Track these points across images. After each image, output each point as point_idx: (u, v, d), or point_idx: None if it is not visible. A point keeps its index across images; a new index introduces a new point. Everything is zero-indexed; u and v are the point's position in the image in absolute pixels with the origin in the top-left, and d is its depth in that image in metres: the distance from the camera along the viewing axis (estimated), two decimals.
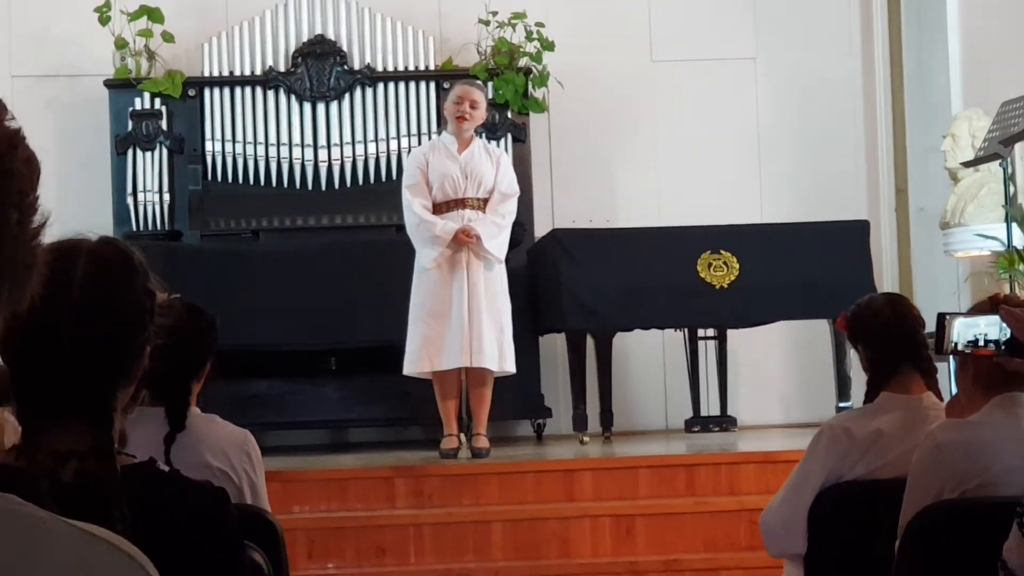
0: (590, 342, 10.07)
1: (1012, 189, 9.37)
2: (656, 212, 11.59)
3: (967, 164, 9.78)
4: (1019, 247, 9.01)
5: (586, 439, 9.87)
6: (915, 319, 5.02)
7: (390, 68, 11.75)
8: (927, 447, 4.24)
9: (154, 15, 11.53)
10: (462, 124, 8.95)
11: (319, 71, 11.67)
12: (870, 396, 5.07)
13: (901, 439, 4.83)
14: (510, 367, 8.93)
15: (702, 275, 9.90)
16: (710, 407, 11.00)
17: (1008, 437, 4.09)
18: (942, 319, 3.93)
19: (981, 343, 3.79)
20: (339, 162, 11.55)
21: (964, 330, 3.85)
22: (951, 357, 4.33)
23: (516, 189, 9.15)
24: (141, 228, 11.25)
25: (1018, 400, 4.16)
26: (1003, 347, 3.72)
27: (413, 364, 8.89)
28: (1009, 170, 9.25)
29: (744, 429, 10.93)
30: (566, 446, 9.93)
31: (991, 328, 3.75)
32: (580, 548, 7.85)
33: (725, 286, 9.91)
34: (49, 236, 1.35)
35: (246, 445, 4.59)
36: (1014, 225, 9.20)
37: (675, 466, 8.42)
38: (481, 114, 9.13)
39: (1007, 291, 8.37)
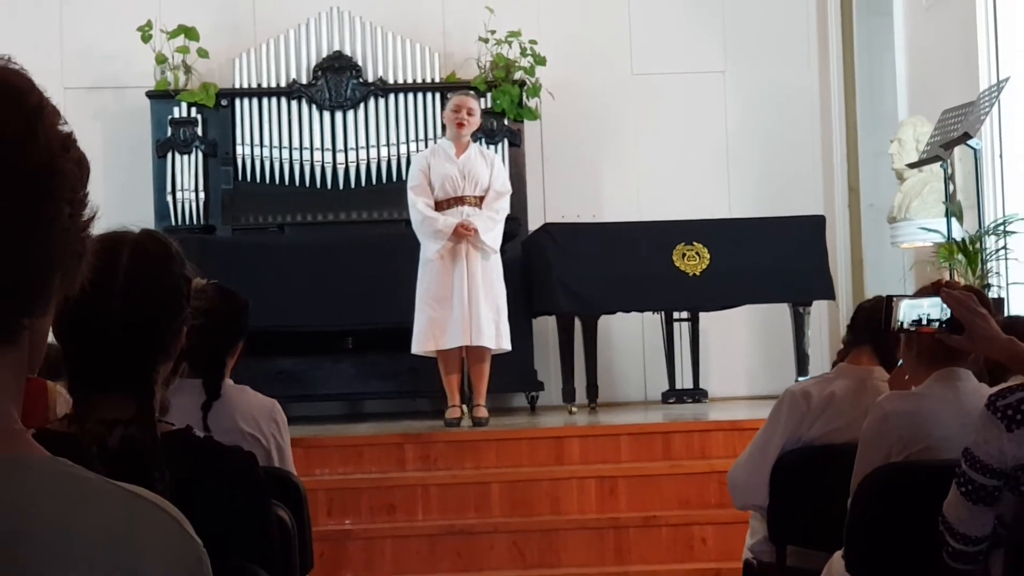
0: (578, 324, 10.06)
1: (951, 187, 9.37)
2: (636, 208, 11.58)
3: (912, 165, 9.78)
4: (958, 239, 9.02)
5: (574, 409, 9.86)
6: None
7: (400, 81, 11.74)
8: (876, 415, 4.25)
9: (191, 34, 11.53)
10: (461, 129, 8.96)
11: (337, 83, 11.66)
12: (835, 363, 5.12)
13: (852, 404, 4.85)
14: (506, 345, 8.95)
15: (677, 264, 9.89)
16: (684, 381, 11.01)
17: (948, 407, 4.10)
18: (889, 301, 3.93)
19: (924, 322, 3.79)
20: (355, 164, 11.54)
21: (909, 311, 3.85)
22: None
23: (509, 187, 9.16)
24: (179, 223, 11.24)
25: (957, 374, 4.16)
26: (944, 326, 3.72)
27: (420, 344, 8.91)
28: (949, 170, 9.26)
29: (714, 400, 10.94)
30: (556, 416, 9.92)
31: (933, 309, 3.75)
32: (569, 506, 7.85)
33: (697, 274, 9.90)
34: (97, 229, 1.35)
35: (274, 412, 4.62)
36: (953, 219, 9.20)
37: (653, 433, 8.43)
38: (476, 120, 9.13)
39: (948, 278, 8.38)
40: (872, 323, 4.94)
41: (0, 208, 1.22)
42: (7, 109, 1.25)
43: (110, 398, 2.48)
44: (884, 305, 3.97)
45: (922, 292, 4.11)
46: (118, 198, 10.67)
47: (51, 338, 1.71)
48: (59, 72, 11.50)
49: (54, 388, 4.32)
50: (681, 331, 11.11)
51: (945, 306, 3.70)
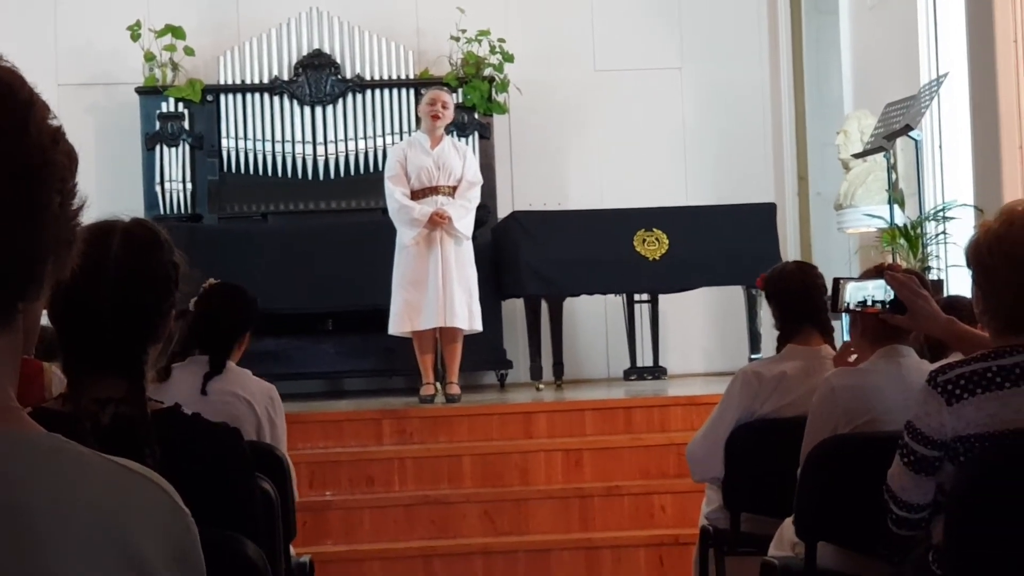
0: (544, 305, 10.06)
1: (894, 176, 9.40)
2: (599, 196, 11.59)
3: (857, 155, 9.81)
4: (900, 224, 9.05)
5: (541, 386, 9.87)
6: (819, 286, 5.04)
7: (376, 77, 11.72)
8: (824, 390, 4.27)
9: (177, 33, 11.49)
10: (436, 121, 8.94)
11: (317, 80, 11.63)
12: (779, 348, 5.09)
13: (802, 382, 4.86)
14: (478, 326, 8.94)
15: (638, 249, 9.90)
16: (644, 359, 11.02)
17: (891, 382, 4.11)
18: (836, 283, 3.95)
19: (869, 303, 3.80)
20: (334, 156, 11.52)
21: (855, 292, 3.86)
22: (844, 315, 4.35)
23: (480, 178, 9.15)
24: (167, 212, 11.21)
25: (900, 351, 4.18)
26: (887, 306, 3.73)
27: (396, 325, 8.90)
28: (891, 160, 9.29)
29: (673, 377, 10.95)
30: (524, 392, 9.92)
31: (877, 291, 3.76)
32: (536, 477, 7.85)
33: (657, 258, 9.92)
34: (89, 218, 1.35)
35: (271, 392, 4.93)
36: (895, 206, 9.23)
37: (615, 408, 8.44)
38: (450, 113, 9.12)
39: (891, 261, 8.40)
40: (801, 298, 4.97)
41: None
42: None
43: (102, 378, 2.47)
44: (832, 288, 3.98)
45: (865, 275, 4.12)
46: (109, 189, 10.63)
47: (46, 321, 1.70)
48: (53, 69, 11.45)
49: (49, 369, 4.32)
50: (641, 312, 11.12)
51: (889, 288, 3.71)
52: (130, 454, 1.36)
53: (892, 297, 3.69)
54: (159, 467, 1.34)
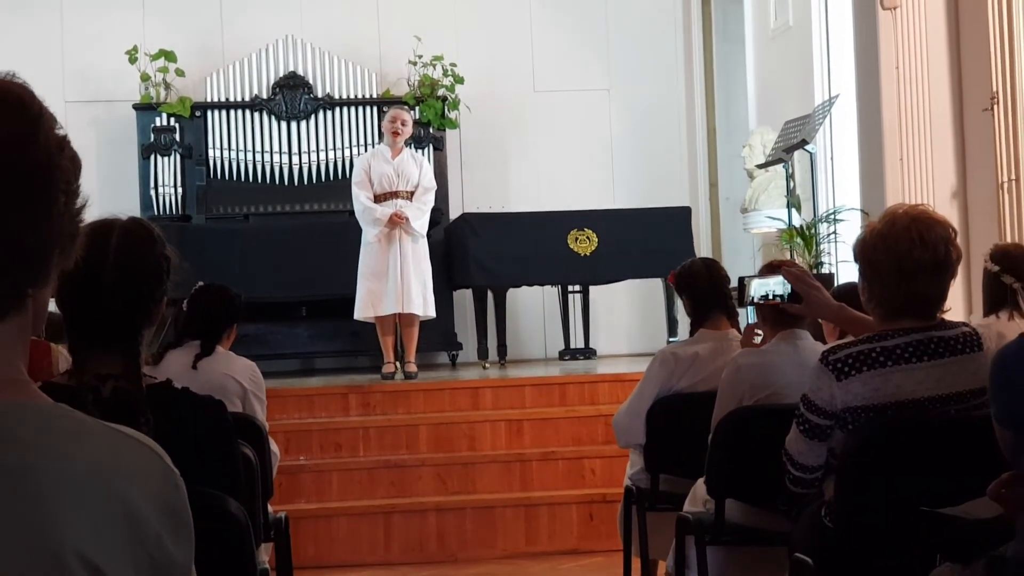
0: (490, 295, 10.07)
1: (792, 184, 9.45)
2: (537, 200, 11.59)
3: (760, 166, 9.86)
4: (797, 225, 9.10)
5: (487, 365, 9.87)
6: (723, 277, 5.08)
7: (344, 96, 11.68)
8: (732, 368, 4.29)
9: (169, 56, 11.43)
10: (396, 136, 8.93)
11: (292, 98, 11.58)
12: (693, 332, 5.12)
13: (712, 361, 4.88)
14: (432, 312, 8.93)
15: (571, 246, 9.92)
16: (577, 341, 11.02)
17: (790, 361, 4.14)
18: (742, 281, 3.97)
19: (771, 296, 3.82)
20: (307, 165, 11.48)
21: (758, 288, 3.89)
22: (750, 307, 4.37)
23: (434, 184, 9.14)
24: (160, 213, 11.14)
25: (797, 334, 4.22)
26: (786, 298, 3.76)
27: (361, 311, 8.88)
28: (790, 170, 9.34)
29: (601, 357, 10.97)
30: (473, 370, 9.92)
31: (777, 285, 3.78)
32: (483, 443, 7.85)
33: (588, 254, 9.94)
34: (92, 216, 1.35)
35: (252, 368, 5.14)
36: (793, 210, 9.29)
37: (551, 384, 8.45)
38: (408, 129, 9.10)
39: (788, 257, 8.45)
40: (709, 288, 5.00)
41: (7, 197, 1.22)
42: (12, 116, 1.24)
43: (103, 356, 2.46)
44: (738, 285, 4.00)
45: (765, 270, 4.16)
46: (110, 192, 10.54)
47: (54, 307, 1.69)
48: (61, 89, 11.37)
49: (57, 349, 4.29)
50: (574, 301, 11.13)
51: (786, 282, 3.73)
52: (127, 422, 1.35)
53: (790, 290, 3.72)
54: (152, 434, 1.34)
